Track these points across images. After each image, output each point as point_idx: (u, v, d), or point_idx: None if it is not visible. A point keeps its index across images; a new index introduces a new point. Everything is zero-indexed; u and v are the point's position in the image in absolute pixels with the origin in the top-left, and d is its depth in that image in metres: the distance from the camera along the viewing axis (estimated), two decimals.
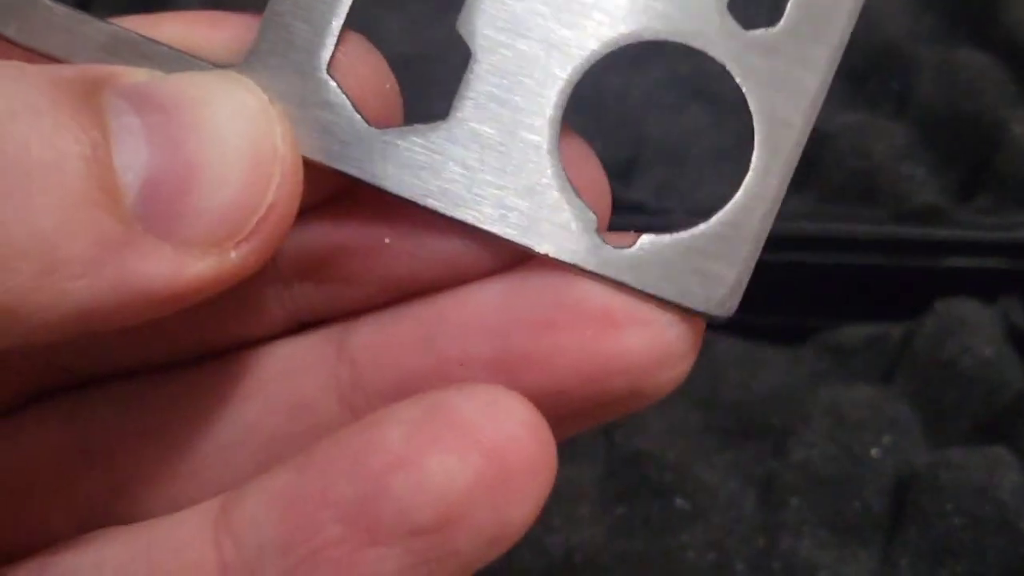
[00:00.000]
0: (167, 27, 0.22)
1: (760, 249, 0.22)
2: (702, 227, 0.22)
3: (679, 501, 0.43)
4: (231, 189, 0.20)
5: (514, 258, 0.22)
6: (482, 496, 0.20)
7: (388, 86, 0.23)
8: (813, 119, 0.22)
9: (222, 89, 0.20)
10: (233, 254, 0.20)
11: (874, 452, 0.43)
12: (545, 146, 0.22)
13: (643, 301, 0.21)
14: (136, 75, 0.20)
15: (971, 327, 0.45)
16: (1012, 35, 0.54)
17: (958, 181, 0.52)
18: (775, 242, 0.47)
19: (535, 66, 0.22)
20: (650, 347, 0.21)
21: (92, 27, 0.21)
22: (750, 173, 0.22)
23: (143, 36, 0.21)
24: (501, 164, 0.22)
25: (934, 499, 0.41)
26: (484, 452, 0.20)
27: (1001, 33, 0.54)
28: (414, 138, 0.22)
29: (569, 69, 0.22)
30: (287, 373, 0.24)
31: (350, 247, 0.23)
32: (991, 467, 0.41)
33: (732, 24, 0.22)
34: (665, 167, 0.52)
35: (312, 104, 0.22)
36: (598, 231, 0.22)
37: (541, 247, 0.22)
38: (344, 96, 0.22)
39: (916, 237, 0.48)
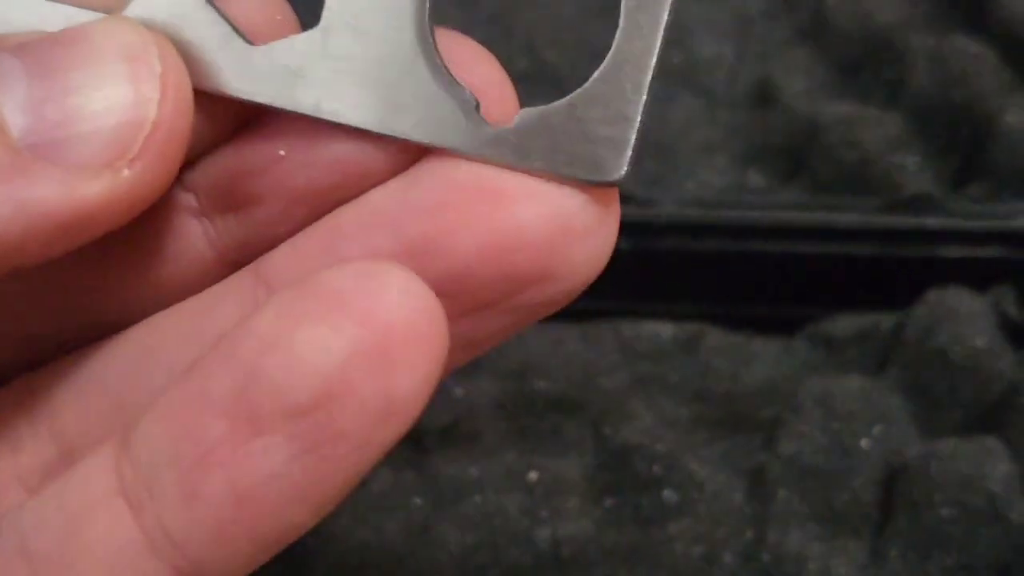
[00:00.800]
0: None
1: (642, 107, 0.21)
2: (579, 92, 0.21)
3: (668, 493, 0.42)
4: (112, 110, 0.20)
5: (411, 156, 0.22)
6: (362, 367, 0.19)
7: (280, 16, 0.23)
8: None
9: (98, 25, 0.21)
10: (126, 172, 0.20)
11: (864, 443, 0.43)
12: (414, 36, 0.22)
13: (535, 178, 0.21)
14: (16, 38, 0.21)
15: (963, 317, 0.45)
16: (1005, 23, 0.54)
17: (951, 170, 0.51)
18: (766, 232, 0.47)
19: None
20: (548, 220, 0.21)
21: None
22: (619, 31, 0.21)
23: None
24: (374, 60, 0.22)
25: (924, 490, 0.40)
26: (359, 321, 0.19)
27: (994, 21, 0.54)
28: (288, 48, 0.22)
29: None
30: (208, 309, 0.24)
31: (249, 166, 0.23)
32: (981, 457, 0.40)
33: None
34: (655, 159, 0.52)
35: (197, 35, 0.22)
36: (478, 113, 0.21)
37: (422, 137, 0.22)
38: (225, 22, 0.22)
39: (908, 226, 0.48)
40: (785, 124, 0.53)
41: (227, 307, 0.24)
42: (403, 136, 0.22)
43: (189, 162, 0.23)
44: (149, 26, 0.22)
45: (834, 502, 0.42)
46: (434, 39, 0.22)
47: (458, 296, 0.21)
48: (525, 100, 0.22)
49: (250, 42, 0.22)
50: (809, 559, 0.40)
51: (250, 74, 0.22)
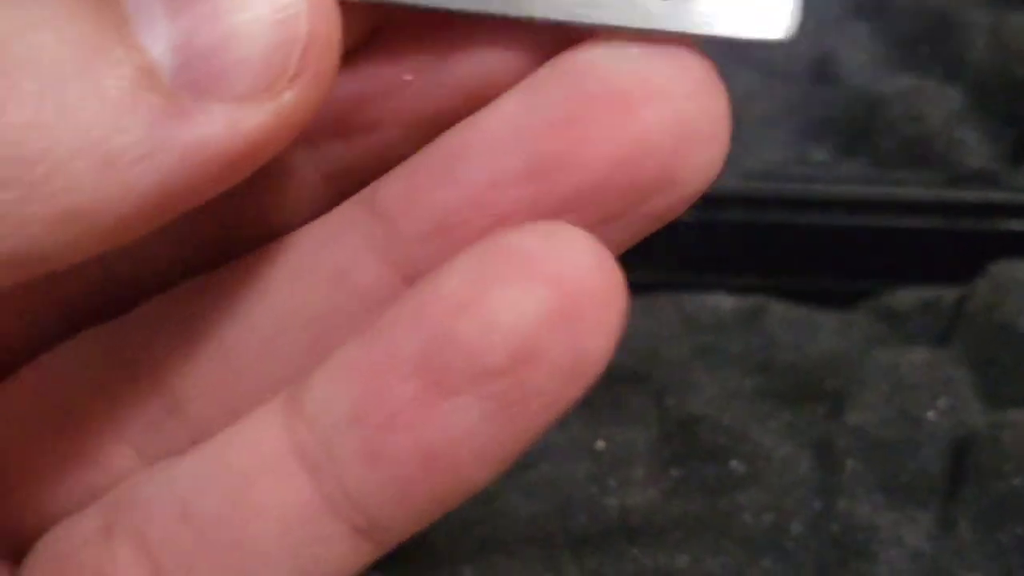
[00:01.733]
0: None
1: None
2: None
3: (734, 464, 0.43)
4: (264, 31, 0.19)
5: (533, 60, 0.22)
6: (554, 329, 0.20)
7: None
8: None
9: None
10: (287, 95, 0.19)
11: (930, 414, 0.43)
12: None
13: (698, 56, 0.21)
14: None
15: None
16: None
17: (1011, 145, 0.51)
18: (828, 206, 0.47)
19: None
20: (672, 124, 0.21)
21: None
22: None
23: None
24: None
25: (993, 460, 0.40)
26: (550, 283, 0.20)
27: None
28: None
29: None
30: (320, 246, 0.23)
31: (369, 93, 0.23)
32: None
33: None
34: None
35: None
36: None
37: (593, 18, 0.21)
38: None
39: (969, 200, 0.48)
40: (845, 98, 0.53)
41: (343, 244, 0.23)
42: (582, 22, 0.21)
43: None
44: None
45: (902, 473, 0.42)
46: None
47: (585, 209, 0.21)
48: None
49: None
50: (878, 529, 0.40)
51: None
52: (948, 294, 0.47)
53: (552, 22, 0.21)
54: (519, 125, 0.21)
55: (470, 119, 0.22)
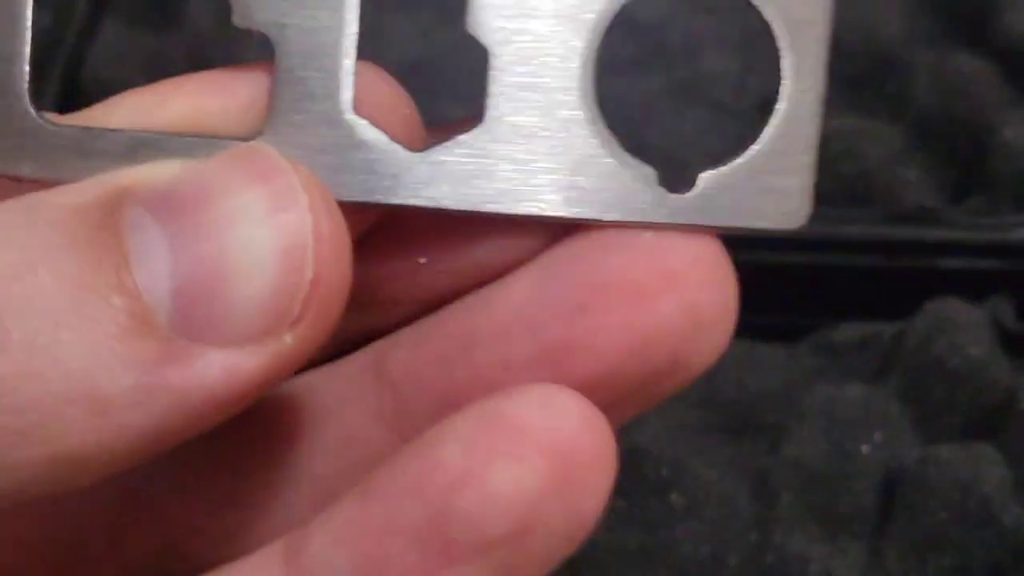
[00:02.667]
0: (178, 102, 0.22)
1: (817, 150, 0.22)
2: (756, 147, 0.22)
3: (675, 497, 0.44)
4: (266, 275, 0.19)
5: (549, 239, 0.22)
6: (552, 498, 0.20)
7: (409, 111, 0.22)
8: (832, 12, 0.22)
9: (238, 173, 0.19)
10: (288, 338, 0.19)
11: (865, 449, 0.44)
12: (585, 117, 0.22)
13: (692, 257, 0.21)
14: (154, 176, 0.20)
15: (960, 327, 0.46)
16: (1006, 40, 0.55)
17: (951, 183, 0.53)
18: (771, 243, 0.48)
19: (553, 43, 0.22)
20: (685, 312, 0.21)
21: (105, 140, 0.21)
22: (784, 81, 0.22)
23: (159, 133, 0.21)
24: (549, 148, 0.22)
25: (922, 494, 0.42)
26: (547, 454, 0.20)
27: (995, 38, 0.56)
28: (459, 150, 0.21)
29: (586, 35, 0.22)
30: (331, 408, 0.24)
31: (384, 275, 0.23)
32: (977, 463, 0.42)
33: None
34: (664, 169, 0.53)
35: (348, 148, 0.21)
36: (659, 183, 0.22)
37: (609, 216, 0.21)
38: (378, 131, 0.21)
39: (909, 238, 0.49)
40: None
41: (353, 410, 0.23)
42: (593, 218, 0.22)
43: None
44: (294, 147, 0.21)
45: (836, 506, 0.43)
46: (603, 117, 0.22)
47: (594, 392, 0.21)
48: None
49: (408, 148, 0.21)
50: (811, 560, 0.42)
51: (414, 180, 0.21)
52: (887, 330, 0.48)
53: (564, 221, 0.22)
54: (531, 310, 0.22)
55: (481, 295, 0.22)
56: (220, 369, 0.18)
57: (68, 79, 0.56)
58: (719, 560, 0.42)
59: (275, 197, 0.19)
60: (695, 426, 0.47)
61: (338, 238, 0.19)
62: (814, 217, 0.50)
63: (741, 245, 0.49)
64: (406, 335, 0.23)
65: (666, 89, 0.56)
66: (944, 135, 0.53)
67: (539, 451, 0.20)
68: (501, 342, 0.22)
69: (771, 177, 0.22)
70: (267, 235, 0.19)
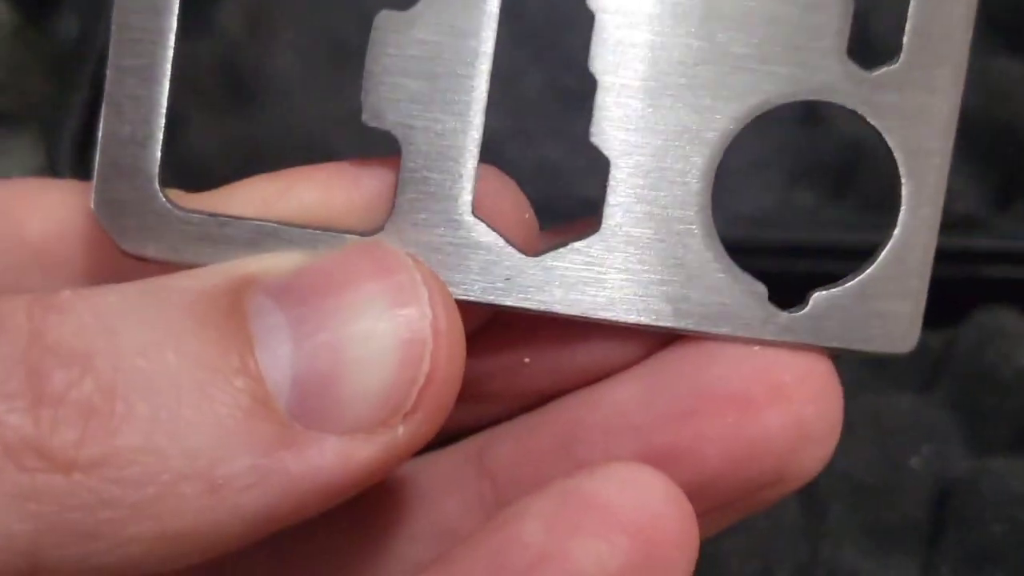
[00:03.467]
0: (304, 192, 0.22)
1: (928, 277, 0.23)
2: (869, 271, 0.22)
3: None
4: (384, 368, 0.19)
5: (653, 345, 0.22)
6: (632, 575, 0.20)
7: (527, 215, 0.23)
8: (951, 140, 0.22)
9: (362, 267, 0.20)
10: (401, 429, 0.19)
11: (914, 461, 0.44)
12: (699, 231, 0.22)
13: (804, 371, 0.22)
14: (279, 266, 0.20)
15: (1010, 336, 0.45)
16: None
17: (995, 190, 0.52)
18: (815, 251, 0.48)
19: (673, 157, 0.22)
20: (790, 428, 0.21)
21: (231, 228, 0.21)
22: (903, 208, 0.23)
23: (283, 223, 0.21)
24: (661, 260, 0.22)
25: (974, 506, 0.41)
26: (630, 533, 0.20)
27: None
28: (573, 256, 0.22)
29: (707, 152, 0.22)
30: (430, 497, 0.24)
31: (490, 371, 0.23)
32: None
33: (854, 69, 0.22)
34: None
35: (465, 248, 0.22)
36: (769, 300, 0.22)
37: (720, 329, 0.22)
38: (495, 233, 0.22)
39: (954, 247, 0.48)
40: (832, 143, 0.53)
41: (451, 500, 0.24)
42: (704, 331, 0.22)
43: None
44: (415, 245, 0.21)
45: (886, 518, 0.43)
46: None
47: (694, 498, 0.21)
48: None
49: (523, 252, 0.22)
50: (862, 574, 0.41)
51: (526, 283, 0.22)
52: (934, 339, 0.48)
53: (673, 331, 0.22)
54: (637, 412, 0.22)
55: (586, 394, 0.23)
56: (334, 457, 0.19)
57: (98, 86, 0.56)
58: (768, 574, 0.42)
59: (397, 291, 0.19)
60: None
61: (454, 335, 0.20)
62: (859, 225, 0.50)
63: (783, 255, 0.49)
64: (509, 429, 0.23)
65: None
66: (987, 141, 0.53)
67: (621, 528, 0.20)
68: (604, 440, 0.22)
69: (881, 301, 0.22)
70: (387, 328, 0.19)
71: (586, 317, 0.22)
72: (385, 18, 0.22)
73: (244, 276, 0.20)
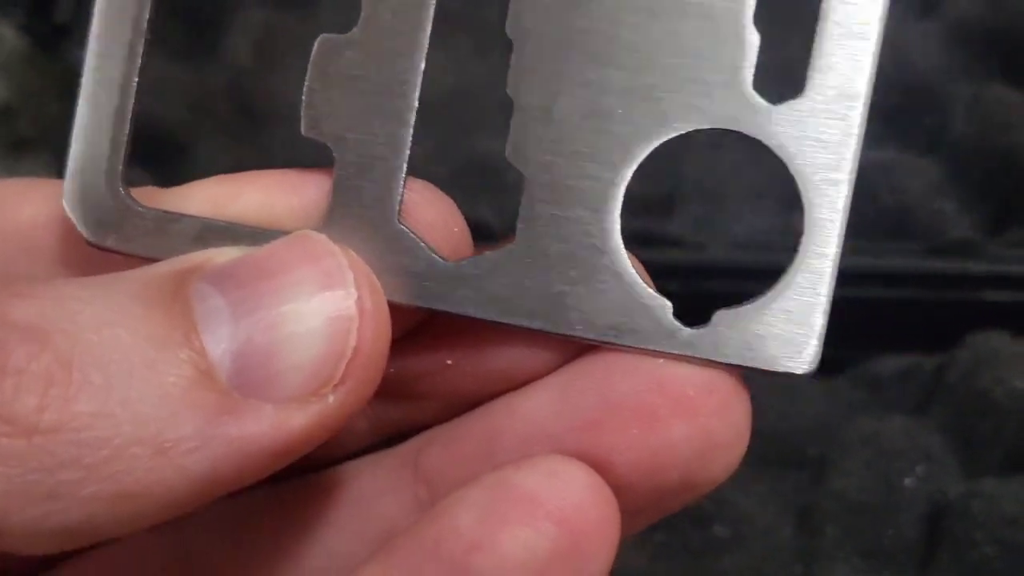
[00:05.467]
0: (250, 195, 0.24)
1: (830, 300, 0.23)
2: (770, 292, 0.23)
3: (718, 528, 0.44)
4: (314, 343, 0.21)
5: (568, 354, 0.23)
6: (559, 562, 0.21)
7: (456, 229, 0.24)
8: (854, 170, 0.23)
9: (293, 255, 0.22)
10: (331, 398, 0.21)
11: (908, 481, 0.44)
12: (606, 248, 0.23)
13: (706, 383, 0.22)
14: (220, 256, 0.22)
15: (1003, 360, 0.46)
16: None
17: (989, 215, 0.53)
18: None
19: (582, 178, 0.23)
20: (696, 438, 0.22)
21: (182, 224, 0.23)
22: (805, 235, 0.23)
23: (229, 222, 0.23)
24: (570, 273, 0.23)
25: (967, 528, 0.42)
26: (556, 520, 0.21)
27: None
28: (486, 264, 0.23)
29: (615, 175, 0.23)
30: (370, 498, 0.25)
31: (416, 371, 0.24)
32: (1022, 497, 0.42)
33: (759, 100, 0.23)
34: (703, 203, 0.53)
35: (390, 252, 0.23)
36: (674, 315, 0.23)
37: (625, 340, 0.23)
38: (417, 240, 0.23)
39: (949, 271, 0.49)
40: None
41: (390, 500, 0.25)
42: (610, 341, 0.23)
43: None
44: (345, 244, 0.23)
45: (879, 539, 0.43)
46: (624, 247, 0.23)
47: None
48: None
49: (443, 258, 0.23)
50: None
51: (448, 288, 0.23)
52: (928, 363, 0.48)
53: (582, 341, 0.23)
54: (549, 422, 0.23)
55: (505, 402, 0.24)
56: (271, 423, 0.21)
57: None
58: None
59: (325, 275, 0.21)
60: None
61: (379, 314, 0.22)
62: (855, 250, 0.50)
63: (779, 278, 0.49)
64: (440, 433, 0.25)
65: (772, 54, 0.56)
66: (982, 167, 0.54)
67: (547, 517, 0.21)
68: (522, 448, 0.23)
69: (781, 322, 0.23)
70: (317, 307, 0.21)
71: (497, 322, 0.23)
72: (324, 40, 0.23)
73: (189, 266, 0.22)
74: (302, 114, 0.23)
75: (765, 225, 0.54)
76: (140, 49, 0.24)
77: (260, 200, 0.24)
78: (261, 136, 0.57)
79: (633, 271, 0.23)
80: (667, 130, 0.23)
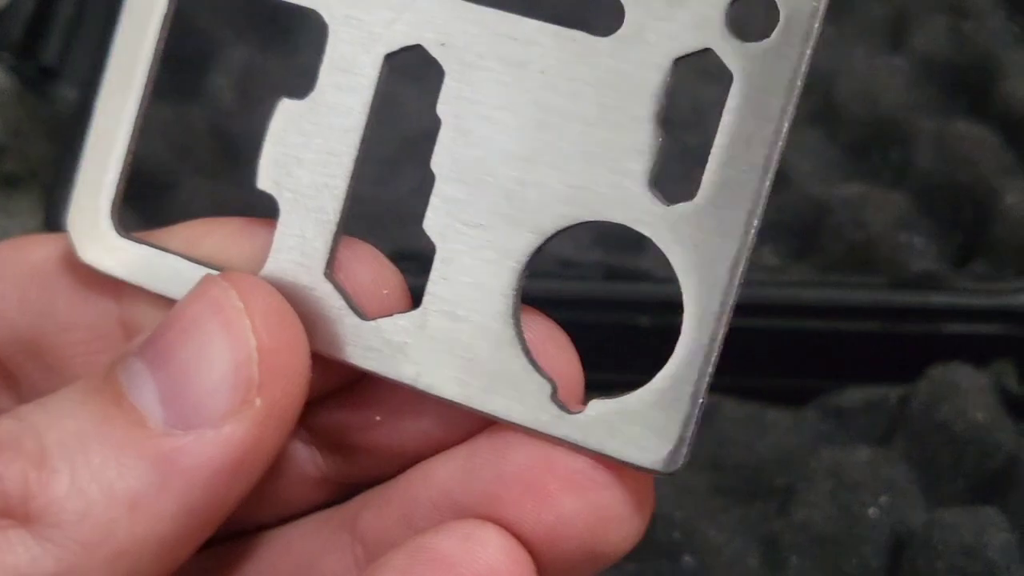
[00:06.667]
0: (214, 238, 0.27)
1: (701, 403, 0.23)
2: (645, 388, 0.23)
3: (687, 559, 0.45)
4: (222, 359, 0.23)
5: (480, 423, 0.25)
6: None
7: (386, 291, 0.26)
8: (736, 277, 0.23)
9: (199, 305, 0.24)
10: (259, 401, 0.23)
11: (872, 512, 0.45)
12: (502, 326, 0.24)
13: (593, 463, 0.23)
14: (142, 330, 0.25)
15: (964, 392, 0.47)
16: (1006, 107, 0.57)
17: (954, 248, 0.54)
18: (779, 309, 0.50)
19: (485, 256, 0.24)
20: (588, 513, 0.23)
21: (156, 255, 0.27)
22: (683, 333, 0.23)
23: (191, 258, 0.26)
24: (466, 345, 0.24)
25: (927, 557, 0.43)
26: None
27: (996, 105, 0.57)
28: (393, 324, 0.25)
29: (515, 256, 0.24)
30: (312, 557, 0.27)
31: (350, 424, 0.26)
32: (981, 526, 0.43)
33: (654, 199, 0.24)
34: None
35: (316, 303, 0.25)
36: (554, 398, 0.24)
37: (506, 415, 0.24)
38: (340, 296, 0.25)
39: (913, 304, 0.50)
40: (796, 204, 0.55)
41: (330, 561, 0.27)
42: (490, 413, 0.24)
43: (309, 402, 0.25)
44: (280, 290, 0.25)
45: (843, 568, 0.44)
46: (522, 326, 0.25)
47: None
48: None
49: (363, 316, 0.25)
50: None
51: (360, 344, 0.25)
52: (892, 394, 0.49)
53: (468, 410, 0.25)
54: (456, 492, 0.25)
55: (423, 467, 0.26)
56: (214, 442, 0.23)
57: None
58: None
59: (215, 297, 0.24)
60: (705, 489, 0.48)
61: (282, 316, 0.24)
62: (822, 283, 0.51)
63: (749, 313, 0.50)
64: (373, 495, 0.27)
65: (678, 154, 0.57)
66: (947, 201, 0.55)
67: None
68: (435, 516, 0.25)
69: (651, 419, 0.23)
70: (213, 325, 0.24)
71: (398, 382, 0.25)
72: (282, 103, 0.26)
73: (116, 357, 0.24)
74: (257, 167, 0.26)
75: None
76: (147, 91, 0.27)
77: (221, 243, 0.27)
78: (243, 175, 0.58)
79: (522, 351, 0.24)
80: (565, 219, 0.24)
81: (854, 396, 0.50)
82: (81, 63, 0.60)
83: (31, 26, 0.61)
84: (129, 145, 0.27)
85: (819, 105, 0.59)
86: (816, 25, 0.23)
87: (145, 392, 0.23)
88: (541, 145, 0.24)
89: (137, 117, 0.27)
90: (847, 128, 0.58)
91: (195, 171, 0.58)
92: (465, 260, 0.25)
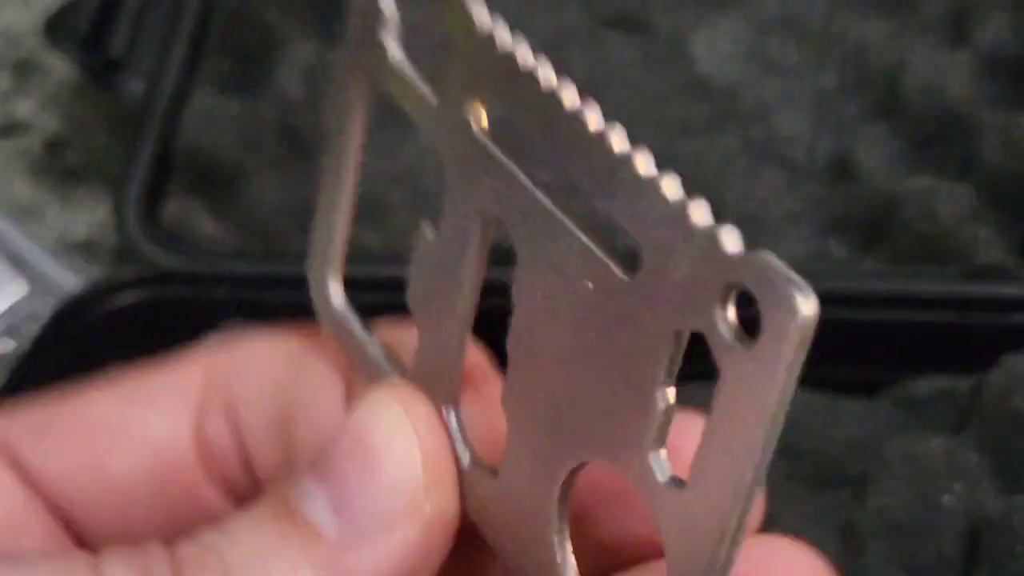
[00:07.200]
0: (402, 338, 0.29)
1: None
2: None
3: None
4: (392, 465, 0.25)
5: None
6: None
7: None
8: (722, 555, 0.23)
9: (372, 420, 0.26)
10: (427, 507, 0.26)
11: (946, 499, 0.46)
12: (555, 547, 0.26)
13: None
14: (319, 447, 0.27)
15: None
16: None
17: (1020, 240, 0.54)
18: (850, 301, 0.50)
19: (530, 471, 0.26)
20: None
21: (368, 345, 0.29)
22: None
23: (387, 357, 0.29)
24: (516, 525, 0.26)
25: (1005, 542, 0.43)
26: None
27: None
28: (485, 483, 0.27)
29: (551, 478, 0.25)
30: None
31: (487, 561, 0.29)
32: None
33: (654, 474, 0.24)
34: (742, 229, 0.55)
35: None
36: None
37: None
38: (457, 433, 0.27)
39: (984, 294, 0.51)
40: (864, 196, 0.56)
41: None
42: None
43: None
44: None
45: (921, 554, 0.45)
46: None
47: None
48: None
49: (474, 460, 0.27)
50: None
51: (464, 487, 0.27)
52: (963, 384, 0.50)
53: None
54: None
55: None
56: (387, 548, 0.25)
57: (162, 144, 0.58)
58: None
59: (382, 408, 0.26)
60: (782, 477, 0.48)
61: (436, 425, 0.27)
62: (893, 273, 0.52)
63: (824, 303, 0.51)
64: None
65: (741, 149, 0.58)
66: (1013, 193, 0.55)
67: None
68: None
69: None
70: (387, 448, 0.26)
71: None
72: (423, 230, 0.27)
73: (293, 473, 0.26)
74: (406, 292, 0.28)
75: (801, 251, 0.55)
76: (360, 158, 0.29)
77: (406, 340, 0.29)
78: (311, 169, 0.58)
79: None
80: (575, 460, 0.25)
81: (926, 386, 0.50)
82: (147, 55, 0.61)
83: (97, 18, 0.62)
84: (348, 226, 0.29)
85: (882, 98, 0.59)
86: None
87: (317, 501, 0.25)
88: (578, 370, 0.24)
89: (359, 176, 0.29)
90: (912, 122, 0.58)
91: (263, 165, 0.59)
92: (523, 456, 0.26)
